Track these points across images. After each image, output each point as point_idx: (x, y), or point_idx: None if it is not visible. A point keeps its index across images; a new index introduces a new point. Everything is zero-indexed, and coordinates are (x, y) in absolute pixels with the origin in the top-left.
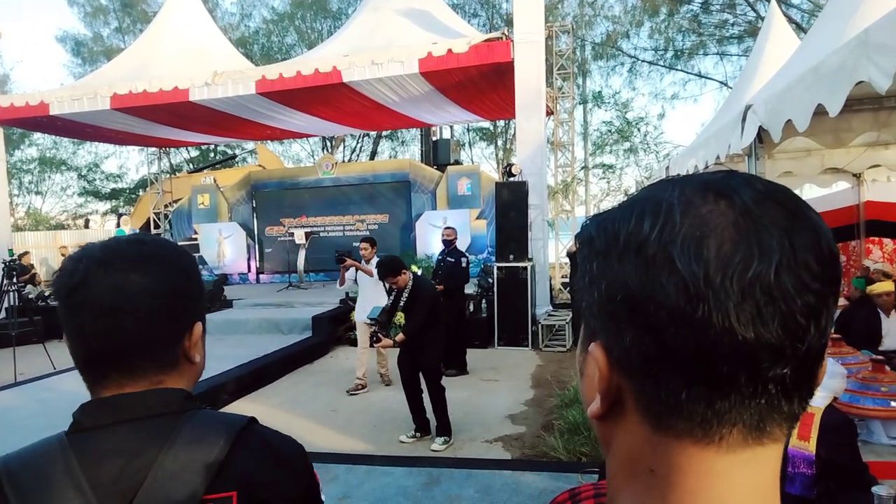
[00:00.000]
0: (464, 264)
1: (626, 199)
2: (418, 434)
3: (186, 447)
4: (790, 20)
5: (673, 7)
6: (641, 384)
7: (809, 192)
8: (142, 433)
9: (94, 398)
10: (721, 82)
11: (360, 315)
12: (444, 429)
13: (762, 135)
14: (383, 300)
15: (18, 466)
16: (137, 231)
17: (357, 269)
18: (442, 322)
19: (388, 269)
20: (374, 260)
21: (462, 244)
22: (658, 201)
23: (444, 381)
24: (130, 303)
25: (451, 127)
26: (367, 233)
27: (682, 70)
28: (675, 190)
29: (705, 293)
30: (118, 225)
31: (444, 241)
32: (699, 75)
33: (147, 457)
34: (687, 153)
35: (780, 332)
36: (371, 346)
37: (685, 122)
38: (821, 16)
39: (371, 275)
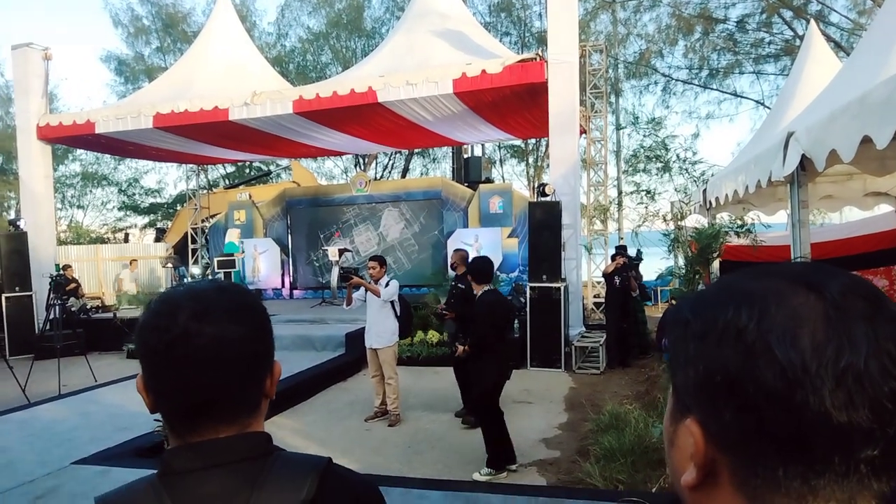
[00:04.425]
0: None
1: (716, 285)
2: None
3: (276, 489)
4: (829, 39)
5: (708, 26)
6: (738, 459)
7: (850, 215)
8: (233, 477)
9: (183, 443)
10: (757, 101)
11: (369, 340)
12: (490, 460)
13: (805, 162)
14: (391, 323)
15: None
16: (241, 242)
17: (366, 289)
18: (496, 350)
19: (479, 269)
20: (384, 279)
21: (494, 262)
22: (752, 292)
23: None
24: (232, 352)
25: (483, 144)
26: (402, 250)
27: (717, 89)
28: (768, 282)
29: (803, 379)
30: (227, 238)
31: (452, 267)
32: (735, 94)
33: (239, 501)
34: (725, 176)
35: (870, 416)
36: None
37: (720, 140)
38: (863, 39)
39: (378, 294)
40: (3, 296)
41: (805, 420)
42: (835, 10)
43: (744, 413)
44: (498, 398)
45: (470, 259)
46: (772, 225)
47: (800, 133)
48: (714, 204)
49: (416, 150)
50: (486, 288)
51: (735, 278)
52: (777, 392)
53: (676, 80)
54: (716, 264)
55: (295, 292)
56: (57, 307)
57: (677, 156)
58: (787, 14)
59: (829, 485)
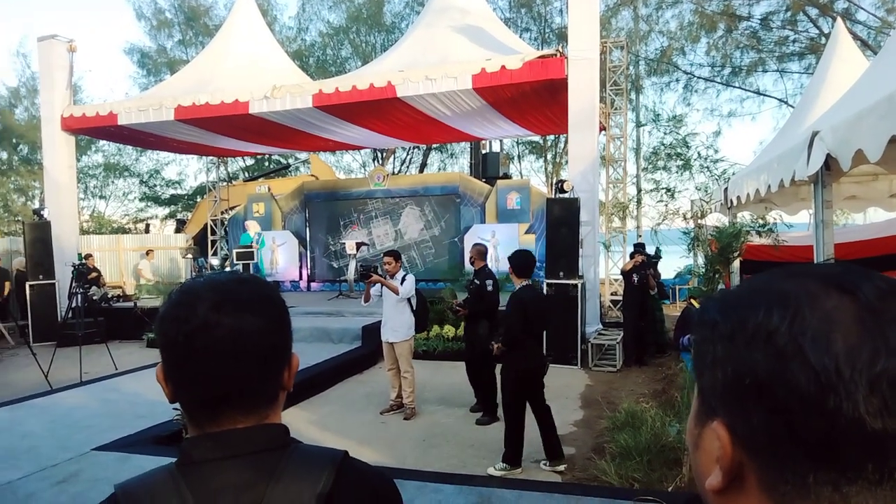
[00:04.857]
0: (489, 287)
1: (745, 286)
2: (547, 462)
3: (293, 481)
4: (856, 37)
5: (731, 23)
6: (766, 464)
7: (874, 216)
8: (250, 468)
9: (201, 433)
10: (780, 100)
11: (385, 333)
12: (507, 455)
13: (829, 162)
14: (407, 317)
15: (139, 497)
16: (260, 234)
17: (382, 285)
18: (525, 346)
19: (521, 263)
20: (399, 274)
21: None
22: (784, 294)
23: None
24: (250, 343)
25: (501, 140)
26: (418, 250)
27: (739, 87)
28: (800, 283)
29: (836, 384)
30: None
31: (470, 261)
32: (757, 92)
33: (256, 491)
34: (747, 175)
35: None
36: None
37: (742, 139)
38: (891, 38)
39: (396, 292)
40: (27, 284)
41: (837, 426)
42: (862, 8)
43: (773, 417)
44: (527, 393)
45: (484, 251)
46: (794, 225)
47: (825, 132)
48: (735, 203)
49: (434, 146)
50: (525, 283)
51: (765, 279)
52: (809, 396)
53: (698, 77)
54: (736, 263)
55: (312, 285)
56: (79, 296)
57: (699, 153)
58: (813, 12)
59: (862, 492)
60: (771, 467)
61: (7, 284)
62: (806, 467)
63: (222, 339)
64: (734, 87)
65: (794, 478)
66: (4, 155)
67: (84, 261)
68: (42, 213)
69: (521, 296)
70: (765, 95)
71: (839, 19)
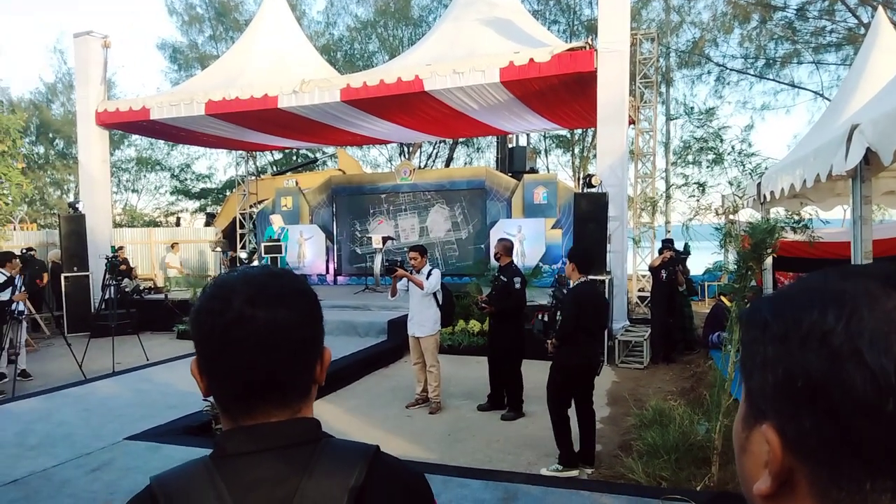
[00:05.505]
0: (517, 285)
1: (798, 285)
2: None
3: (326, 475)
4: None
5: (765, 13)
6: (819, 469)
7: None
8: (284, 461)
9: (235, 426)
10: (816, 92)
11: (412, 328)
12: (561, 456)
13: (869, 156)
14: (433, 312)
15: (174, 489)
16: (283, 228)
17: (409, 280)
18: (578, 342)
19: (584, 258)
20: (426, 269)
21: (536, 253)
22: (841, 293)
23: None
24: (284, 336)
25: (528, 134)
26: (441, 249)
27: (773, 79)
28: (857, 283)
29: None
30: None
31: (496, 257)
32: (792, 85)
33: (289, 485)
34: (781, 170)
35: None
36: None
37: (776, 132)
38: None
39: (421, 286)
40: (62, 275)
41: None
42: None
43: (827, 420)
44: (575, 389)
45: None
46: (829, 221)
47: (865, 125)
48: (769, 198)
49: (461, 140)
50: (583, 279)
51: (819, 278)
52: (865, 399)
53: (731, 69)
54: (769, 260)
55: (339, 278)
56: (112, 287)
57: (732, 147)
58: (852, 1)
59: None
60: (824, 473)
61: (44, 276)
62: (862, 474)
63: (257, 332)
64: (768, 79)
65: (850, 484)
66: (41, 149)
67: (115, 253)
68: (77, 206)
69: (576, 291)
70: (800, 88)
71: (880, 8)
